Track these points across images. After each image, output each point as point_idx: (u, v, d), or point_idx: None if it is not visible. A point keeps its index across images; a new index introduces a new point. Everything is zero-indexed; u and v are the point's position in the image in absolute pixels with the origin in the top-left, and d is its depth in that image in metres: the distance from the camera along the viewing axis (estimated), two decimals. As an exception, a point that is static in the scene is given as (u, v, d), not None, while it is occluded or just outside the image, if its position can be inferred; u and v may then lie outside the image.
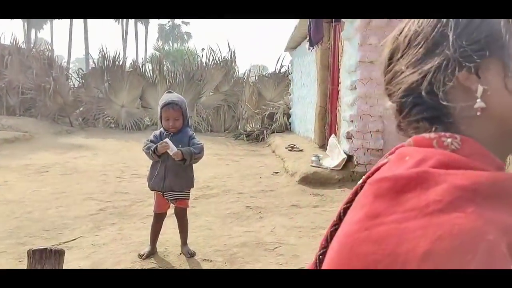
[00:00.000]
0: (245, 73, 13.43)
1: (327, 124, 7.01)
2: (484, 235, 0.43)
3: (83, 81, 12.96)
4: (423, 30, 0.59)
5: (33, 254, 1.28)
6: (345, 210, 0.66)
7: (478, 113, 0.53)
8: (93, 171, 5.97)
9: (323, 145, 6.86)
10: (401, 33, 0.62)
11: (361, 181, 0.65)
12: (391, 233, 0.46)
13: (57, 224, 3.57)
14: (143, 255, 2.83)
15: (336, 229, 0.66)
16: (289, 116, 10.58)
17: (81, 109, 12.72)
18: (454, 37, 0.55)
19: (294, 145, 7.26)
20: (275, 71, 12.82)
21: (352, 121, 5.08)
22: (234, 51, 12.97)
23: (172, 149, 2.67)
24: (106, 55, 12.65)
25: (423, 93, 0.56)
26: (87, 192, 4.70)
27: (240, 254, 2.90)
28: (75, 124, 12.29)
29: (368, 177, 0.65)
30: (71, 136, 10.47)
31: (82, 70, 13.76)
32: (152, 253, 2.89)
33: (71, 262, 2.73)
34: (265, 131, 10.42)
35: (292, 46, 10.14)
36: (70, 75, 13.93)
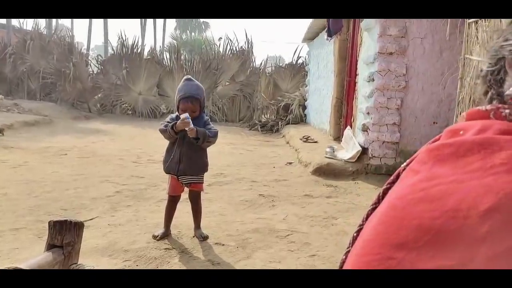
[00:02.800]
0: (261, 63, 13.38)
1: (343, 116, 6.96)
2: None
3: (102, 67, 13.14)
4: None
5: (54, 225, 1.33)
6: (385, 190, 0.66)
7: None
8: (110, 155, 6.09)
9: (338, 137, 6.82)
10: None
11: (405, 164, 0.66)
12: (451, 191, 0.46)
13: (75, 204, 3.67)
14: (157, 236, 2.89)
15: (373, 208, 0.67)
16: (304, 107, 10.53)
17: (99, 95, 12.92)
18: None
19: (309, 137, 7.24)
20: (291, 62, 12.73)
21: (368, 113, 5.04)
22: (251, 41, 12.93)
23: (187, 119, 2.67)
24: (124, 42, 12.77)
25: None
26: (104, 175, 4.80)
27: (252, 240, 2.93)
28: (93, 109, 12.50)
29: (412, 159, 0.66)
30: (89, 122, 10.68)
31: (101, 57, 13.95)
32: (166, 234, 2.94)
33: (88, 240, 2.81)
34: (279, 122, 10.41)
35: (310, 37, 10.04)
36: (89, 61, 14.13)
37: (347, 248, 0.69)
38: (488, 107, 0.55)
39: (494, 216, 0.42)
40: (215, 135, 2.86)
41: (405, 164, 0.66)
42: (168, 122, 2.84)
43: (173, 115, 2.93)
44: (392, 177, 0.65)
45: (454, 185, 0.47)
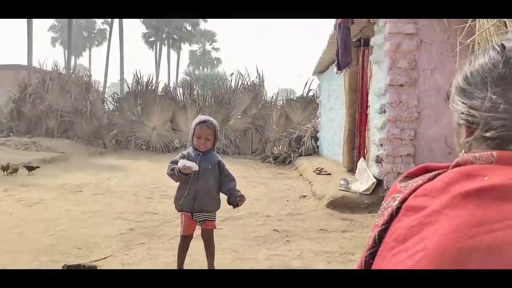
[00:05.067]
0: (273, 96, 13.58)
1: (356, 147, 6.93)
2: None
3: (117, 104, 13.52)
4: None
5: (68, 269, 1.33)
6: (380, 233, 0.64)
7: None
8: (124, 191, 6.13)
9: (351, 169, 6.75)
10: None
11: (397, 202, 0.64)
12: (508, 240, 0.44)
13: (89, 242, 3.66)
14: None
15: (372, 253, 0.63)
16: (316, 139, 10.54)
17: (114, 131, 13.22)
18: None
19: (322, 169, 7.19)
20: (302, 94, 12.89)
21: (381, 144, 5.00)
22: (262, 75, 13.21)
23: (195, 167, 2.63)
24: (139, 80, 13.19)
25: None
26: (118, 211, 4.82)
27: (267, 278, 2.86)
28: (108, 145, 12.75)
29: (404, 198, 0.64)
30: (104, 157, 10.86)
31: (117, 94, 14.40)
32: None
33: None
34: (292, 154, 10.40)
35: (320, 70, 10.21)
36: (105, 99, 14.57)
37: None
38: None
39: None
40: (235, 184, 2.92)
41: (397, 203, 0.63)
42: (175, 161, 2.78)
43: (184, 152, 2.91)
44: (385, 217, 0.63)
45: (509, 231, 0.45)
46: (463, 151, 0.65)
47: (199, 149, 2.81)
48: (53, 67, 14.53)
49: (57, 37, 45.26)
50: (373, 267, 0.61)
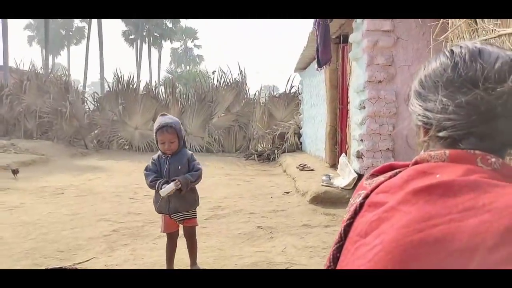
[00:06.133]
0: (255, 93, 13.60)
1: (338, 143, 7.03)
2: None
3: (98, 104, 13.31)
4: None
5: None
6: (346, 228, 0.68)
7: None
8: (107, 192, 6.08)
9: (334, 164, 6.86)
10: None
11: (360, 198, 0.68)
12: (452, 231, 0.48)
13: (71, 245, 3.63)
14: None
15: (338, 247, 0.68)
16: (299, 135, 10.63)
17: (96, 131, 13.01)
18: None
19: (305, 165, 7.28)
20: (285, 91, 12.96)
21: (362, 140, 5.10)
22: (244, 73, 13.20)
23: (169, 188, 2.70)
24: (120, 79, 13.00)
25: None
26: (101, 213, 4.78)
27: (251, 275, 2.90)
28: (90, 146, 12.55)
29: (367, 195, 0.68)
30: (86, 158, 10.69)
31: (97, 94, 14.16)
32: None
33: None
34: (276, 151, 10.47)
35: (301, 67, 10.29)
36: (85, 98, 14.32)
37: None
38: (477, 152, 0.58)
39: (501, 249, 0.45)
40: (198, 177, 2.85)
41: (360, 199, 0.67)
42: (150, 169, 2.86)
43: (155, 156, 2.94)
44: (350, 213, 0.67)
45: (454, 224, 0.49)
46: (422, 150, 0.70)
47: (166, 153, 2.85)
48: (31, 67, 14.20)
49: (33, 36, 44.10)
50: (340, 261, 0.66)
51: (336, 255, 0.68)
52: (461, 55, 0.62)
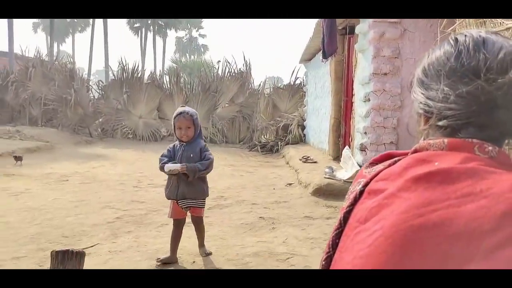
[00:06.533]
0: (260, 84, 13.56)
1: (341, 135, 7.02)
2: None
3: (103, 92, 13.32)
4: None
5: (56, 255, 1.37)
6: (345, 214, 0.69)
7: None
8: (111, 180, 6.13)
9: (337, 157, 6.86)
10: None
11: (360, 186, 0.69)
12: (451, 216, 0.49)
13: (76, 231, 3.68)
14: (160, 260, 2.92)
15: (338, 233, 0.69)
16: (303, 127, 10.61)
17: (100, 120, 13.06)
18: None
19: (308, 157, 7.28)
20: (290, 83, 12.91)
21: (365, 133, 5.09)
22: (249, 63, 13.15)
23: (174, 166, 2.84)
24: (125, 67, 12.99)
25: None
26: (105, 200, 4.83)
27: (252, 264, 2.94)
28: (94, 134, 12.61)
29: (367, 183, 0.69)
30: (90, 146, 10.75)
31: (102, 82, 14.16)
32: (172, 261, 2.95)
33: (90, 268, 2.82)
34: (279, 143, 10.47)
35: (307, 58, 10.23)
36: (90, 87, 14.34)
37: None
38: (475, 140, 0.59)
39: (498, 233, 0.47)
40: (208, 166, 2.94)
41: (360, 186, 0.68)
42: (165, 155, 3.00)
43: (171, 145, 3.09)
44: (350, 200, 0.68)
45: (452, 209, 0.51)
46: (422, 138, 0.71)
47: (182, 139, 2.98)
48: (36, 54, 14.19)
49: (38, 23, 44.05)
50: (339, 246, 0.67)
51: (335, 241, 0.68)
52: (464, 44, 0.63)
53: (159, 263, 2.90)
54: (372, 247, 0.55)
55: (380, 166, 0.69)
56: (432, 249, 0.49)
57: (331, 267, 0.66)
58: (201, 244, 3.13)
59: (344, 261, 0.62)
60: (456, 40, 0.65)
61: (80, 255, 1.39)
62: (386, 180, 0.63)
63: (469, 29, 0.75)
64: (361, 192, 0.67)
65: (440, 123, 0.63)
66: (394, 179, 0.62)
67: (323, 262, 0.69)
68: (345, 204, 0.70)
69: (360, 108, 5.41)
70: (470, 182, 0.53)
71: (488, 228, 0.47)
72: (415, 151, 0.66)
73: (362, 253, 0.57)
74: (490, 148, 0.59)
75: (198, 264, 2.94)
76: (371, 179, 0.67)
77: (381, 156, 0.73)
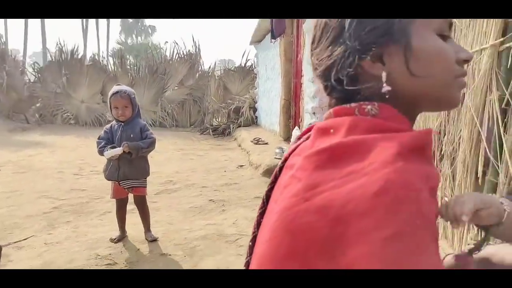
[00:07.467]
0: (210, 67, 13.28)
1: (292, 116, 7.07)
2: (411, 185, 0.46)
3: (39, 75, 12.34)
4: (331, 21, 0.61)
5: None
6: (267, 192, 0.67)
7: (387, 96, 0.57)
8: (49, 168, 5.71)
9: (288, 138, 6.91)
10: (317, 22, 0.65)
11: (279, 163, 0.68)
12: (332, 197, 0.47)
13: (6, 224, 3.37)
14: (115, 239, 2.90)
15: (262, 213, 0.68)
16: (255, 109, 10.58)
17: (37, 105, 12.13)
18: (352, 28, 0.57)
19: (260, 139, 7.27)
20: (241, 65, 12.76)
21: (314, 113, 5.14)
22: (198, 45, 12.79)
23: (116, 151, 2.72)
24: (63, 48, 12.11)
25: (332, 80, 0.60)
26: (41, 190, 4.48)
27: (200, 247, 2.86)
28: (31, 120, 11.70)
29: (286, 159, 0.66)
30: (26, 133, 9.96)
31: (38, 64, 13.10)
32: (123, 237, 2.96)
33: (22, 261, 2.60)
34: (231, 125, 10.37)
35: (257, 40, 10.12)
36: (26, 69, 13.22)
37: (246, 258, 0.67)
38: (353, 104, 0.58)
39: (369, 217, 0.44)
40: (150, 144, 2.86)
41: (279, 163, 0.66)
42: (102, 138, 2.87)
43: (108, 126, 2.94)
44: (271, 178, 0.66)
45: (334, 190, 0.48)
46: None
47: (120, 119, 2.85)
48: (-42, 33, 12.75)
49: (-38, -1, 39.71)
50: (262, 225, 0.64)
51: (259, 221, 0.67)
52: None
53: (115, 242, 2.88)
54: (271, 231, 0.53)
55: (302, 140, 0.68)
56: (316, 237, 0.47)
57: (255, 247, 0.63)
58: (147, 229, 3.03)
59: (259, 242, 0.60)
60: None
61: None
62: (299, 155, 0.60)
63: None
64: (280, 169, 0.65)
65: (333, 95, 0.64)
66: (302, 154, 0.59)
67: (250, 243, 0.68)
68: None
69: (308, 89, 5.43)
70: (355, 158, 0.50)
71: (362, 210, 0.45)
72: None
73: (266, 237, 0.55)
74: (369, 106, 0.57)
75: (143, 250, 2.81)
76: (289, 155, 0.65)
77: (308, 128, 0.71)
